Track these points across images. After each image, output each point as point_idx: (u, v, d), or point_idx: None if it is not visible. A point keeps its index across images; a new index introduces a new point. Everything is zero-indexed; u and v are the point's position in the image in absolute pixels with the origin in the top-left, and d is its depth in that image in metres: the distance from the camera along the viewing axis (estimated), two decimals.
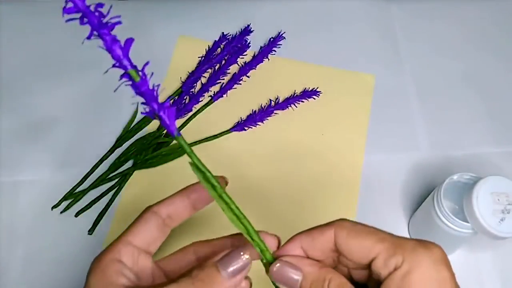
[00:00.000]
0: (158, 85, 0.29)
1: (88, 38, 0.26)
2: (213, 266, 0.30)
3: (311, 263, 0.31)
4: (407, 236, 0.56)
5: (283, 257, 0.31)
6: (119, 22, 0.26)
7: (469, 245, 0.55)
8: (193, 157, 0.30)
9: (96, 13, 0.27)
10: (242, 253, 0.30)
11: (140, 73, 0.30)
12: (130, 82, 0.30)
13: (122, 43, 0.28)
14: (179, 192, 0.35)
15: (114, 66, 0.28)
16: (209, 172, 0.31)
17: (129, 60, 0.30)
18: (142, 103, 0.30)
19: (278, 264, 0.31)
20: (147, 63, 0.28)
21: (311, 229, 0.32)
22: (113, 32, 0.28)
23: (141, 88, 0.30)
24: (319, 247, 0.31)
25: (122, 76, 0.30)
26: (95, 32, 0.27)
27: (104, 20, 0.27)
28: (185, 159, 0.61)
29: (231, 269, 0.30)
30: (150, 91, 0.30)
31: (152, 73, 0.29)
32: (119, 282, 0.31)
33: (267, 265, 0.31)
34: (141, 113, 0.30)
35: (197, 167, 0.31)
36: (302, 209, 0.58)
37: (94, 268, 0.32)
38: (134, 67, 0.30)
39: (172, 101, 0.64)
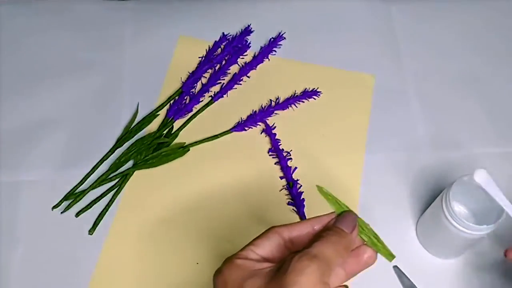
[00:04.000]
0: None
1: None
2: (335, 227, 0.36)
3: None
4: (414, 236, 0.57)
5: None
6: None
7: (477, 247, 0.54)
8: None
9: None
10: (354, 215, 0.37)
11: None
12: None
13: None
14: (305, 220, 0.38)
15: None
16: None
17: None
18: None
19: None
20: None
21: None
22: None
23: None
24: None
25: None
26: None
27: None
28: (185, 159, 0.61)
29: (351, 226, 0.36)
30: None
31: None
32: (256, 267, 0.34)
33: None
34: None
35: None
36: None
37: (226, 265, 0.34)
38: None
39: (172, 101, 0.64)
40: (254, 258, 0.35)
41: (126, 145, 0.62)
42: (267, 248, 0.35)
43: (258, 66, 0.67)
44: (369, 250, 0.37)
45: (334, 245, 0.34)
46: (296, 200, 0.58)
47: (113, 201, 0.58)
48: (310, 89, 0.65)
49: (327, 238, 0.35)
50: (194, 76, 0.65)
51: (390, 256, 0.39)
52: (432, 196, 0.58)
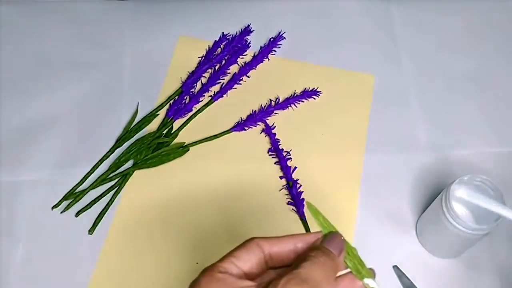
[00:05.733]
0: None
1: None
2: (323, 247, 0.33)
3: None
4: (414, 236, 0.57)
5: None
6: None
7: (477, 247, 0.54)
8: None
9: None
10: (342, 237, 0.35)
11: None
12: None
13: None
14: (288, 236, 0.35)
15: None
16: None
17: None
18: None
19: None
20: None
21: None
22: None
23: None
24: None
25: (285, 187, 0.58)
26: None
27: None
28: (185, 159, 0.61)
29: (338, 249, 0.34)
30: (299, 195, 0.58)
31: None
32: (237, 285, 0.32)
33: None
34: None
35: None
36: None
37: (205, 278, 0.33)
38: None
39: (172, 101, 0.64)
40: (235, 273, 0.32)
41: (126, 144, 0.62)
42: (248, 262, 0.33)
43: (258, 66, 0.67)
44: (358, 284, 0.34)
45: (323, 267, 0.32)
46: (296, 199, 0.58)
47: (113, 201, 0.58)
48: (310, 89, 0.65)
49: (316, 259, 0.32)
50: (194, 76, 0.65)
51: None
52: (432, 196, 0.58)
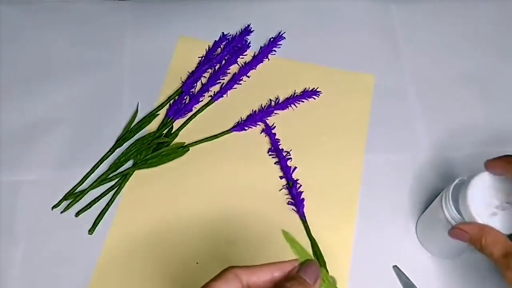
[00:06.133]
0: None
1: None
2: (299, 277, 0.34)
3: (472, 226, 0.45)
4: (414, 236, 0.56)
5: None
6: None
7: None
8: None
9: None
10: (317, 265, 0.35)
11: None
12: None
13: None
14: (265, 265, 0.35)
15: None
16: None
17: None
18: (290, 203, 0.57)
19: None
20: None
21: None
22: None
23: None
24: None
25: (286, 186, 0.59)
26: None
27: None
28: (185, 159, 0.61)
29: (314, 277, 0.34)
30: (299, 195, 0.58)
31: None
32: None
33: None
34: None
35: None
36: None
37: None
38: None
39: (172, 101, 0.64)
40: None
41: (126, 144, 0.62)
42: None
43: (258, 66, 0.67)
44: None
45: None
46: (296, 199, 0.58)
47: (113, 200, 0.58)
48: (310, 89, 0.65)
49: None
50: (194, 76, 0.65)
51: None
52: (432, 196, 0.58)
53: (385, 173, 0.60)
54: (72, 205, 0.58)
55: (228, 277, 0.33)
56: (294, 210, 0.58)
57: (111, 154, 0.61)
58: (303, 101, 0.64)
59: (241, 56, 0.67)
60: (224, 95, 0.65)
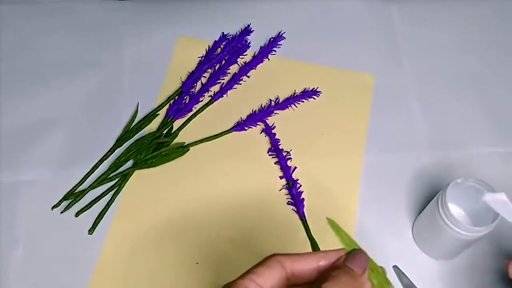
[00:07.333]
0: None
1: None
2: (345, 266, 0.33)
3: None
4: (411, 238, 0.57)
5: None
6: None
7: (476, 248, 0.54)
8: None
9: None
10: (365, 254, 0.34)
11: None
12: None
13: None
14: (310, 253, 0.34)
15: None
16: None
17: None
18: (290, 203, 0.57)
19: None
20: None
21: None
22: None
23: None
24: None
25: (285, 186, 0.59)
26: None
27: None
28: (185, 159, 0.61)
29: (362, 267, 0.33)
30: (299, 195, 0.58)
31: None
32: None
33: None
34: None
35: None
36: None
37: None
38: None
39: (172, 101, 0.65)
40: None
41: (126, 144, 0.62)
42: (269, 279, 0.32)
43: (258, 66, 0.67)
44: None
45: (345, 287, 0.31)
46: (296, 199, 0.58)
47: (113, 201, 0.58)
48: (310, 89, 0.65)
49: (338, 279, 0.31)
50: (194, 76, 0.65)
51: None
52: (431, 196, 0.58)
53: (385, 173, 0.60)
54: (72, 205, 0.58)
55: (272, 264, 0.33)
56: (294, 210, 0.58)
57: (111, 154, 0.61)
58: (303, 101, 0.64)
59: (241, 56, 0.67)
60: (224, 95, 0.65)
